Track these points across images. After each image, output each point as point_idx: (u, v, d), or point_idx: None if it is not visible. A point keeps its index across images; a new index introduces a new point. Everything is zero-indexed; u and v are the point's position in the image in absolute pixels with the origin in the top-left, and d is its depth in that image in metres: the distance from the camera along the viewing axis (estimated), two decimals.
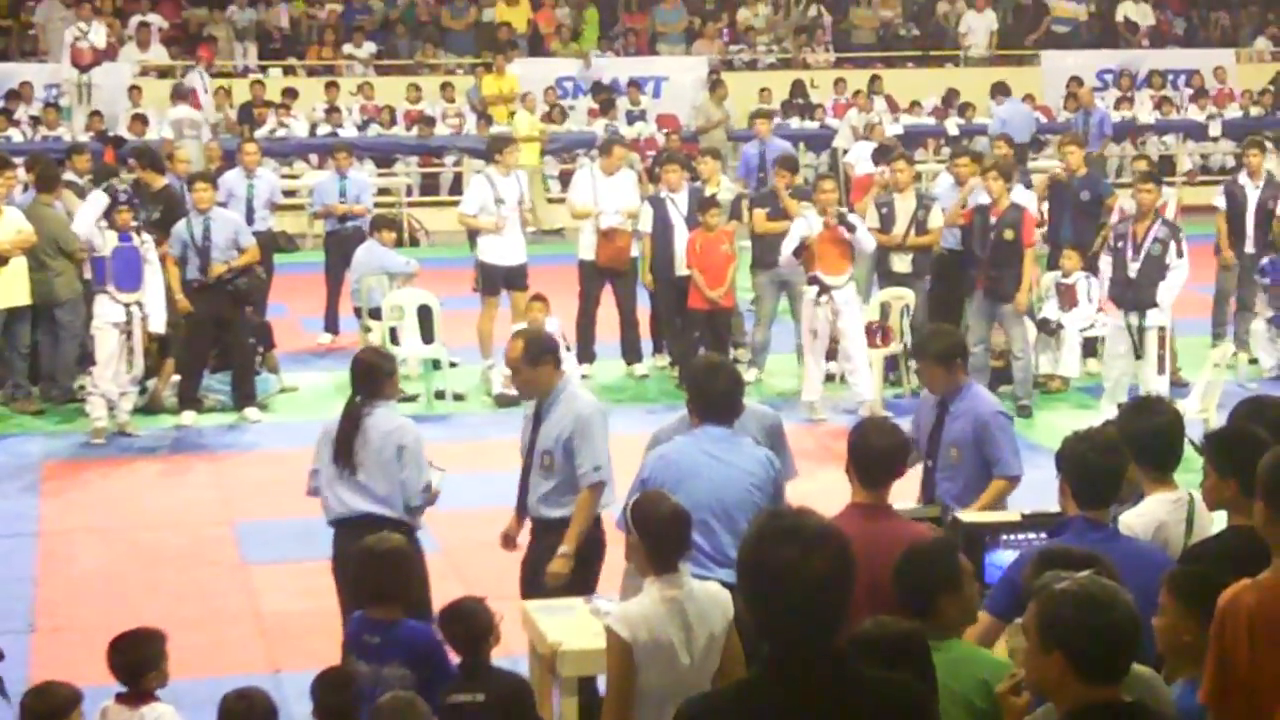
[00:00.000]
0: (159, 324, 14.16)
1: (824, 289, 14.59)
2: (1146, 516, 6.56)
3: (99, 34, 25.84)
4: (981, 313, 14.92)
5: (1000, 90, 25.83)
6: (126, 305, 13.95)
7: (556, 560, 8.24)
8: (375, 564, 7.07)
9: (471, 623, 6.95)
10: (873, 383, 14.88)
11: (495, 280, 16.18)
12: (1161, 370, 13.91)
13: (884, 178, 16.33)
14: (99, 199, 14.31)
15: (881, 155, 17.86)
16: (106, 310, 13.94)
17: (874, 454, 6.87)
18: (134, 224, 14.14)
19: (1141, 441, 6.59)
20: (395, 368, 8.94)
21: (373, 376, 8.58)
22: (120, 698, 6.81)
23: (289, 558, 11.18)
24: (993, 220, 14.87)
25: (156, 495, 12.98)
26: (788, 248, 14.81)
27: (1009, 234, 14.75)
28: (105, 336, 13.96)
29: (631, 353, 16.48)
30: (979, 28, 30.10)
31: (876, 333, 15.18)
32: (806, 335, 14.82)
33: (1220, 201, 16.74)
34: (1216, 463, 6.17)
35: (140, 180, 16.14)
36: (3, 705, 6.71)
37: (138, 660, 6.81)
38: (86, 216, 14.27)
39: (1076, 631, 4.31)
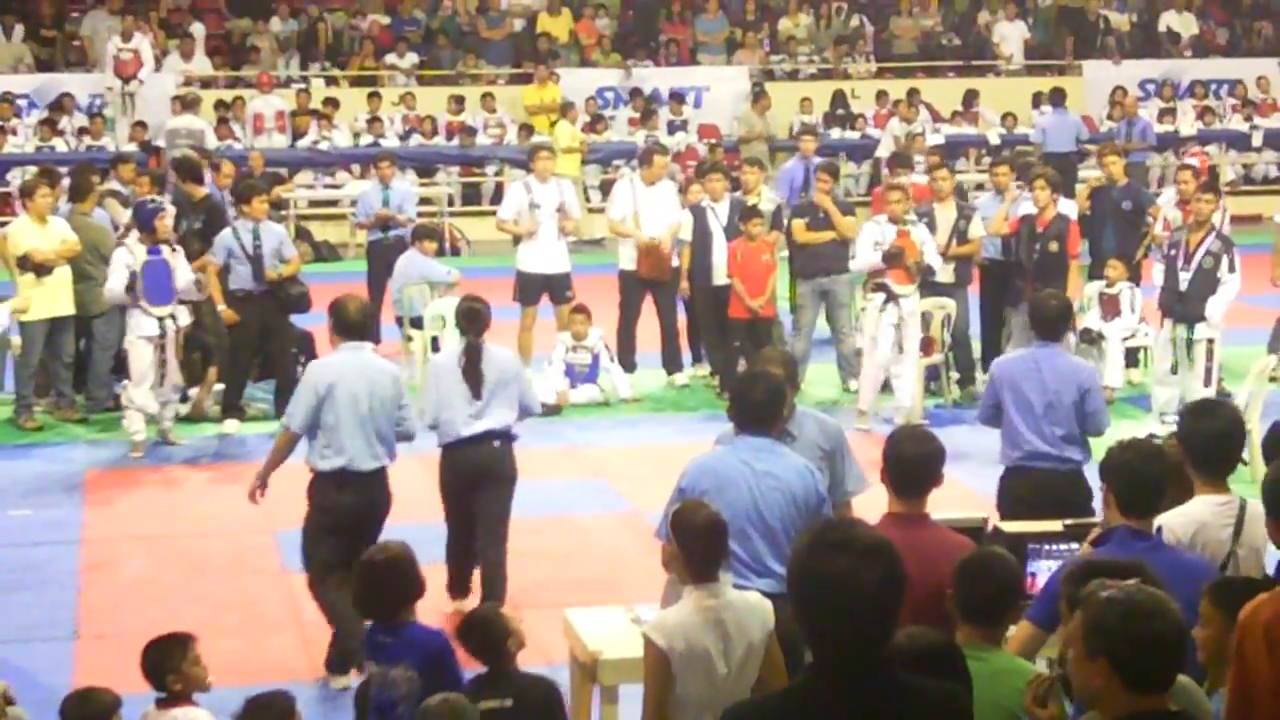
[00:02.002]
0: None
1: (891, 297, 14.58)
2: (1186, 516, 6.52)
3: (142, 45, 25.98)
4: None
5: (1050, 98, 25.69)
6: (160, 319, 13.99)
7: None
8: (377, 574, 7.11)
9: (488, 630, 6.97)
10: (914, 392, 14.86)
11: (533, 289, 16.21)
12: (1208, 382, 13.86)
13: (892, 180, 16.23)
14: (122, 262, 13.99)
15: (897, 162, 17.80)
16: (140, 324, 13.97)
17: (907, 462, 6.85)
18: (166, 237, 14.20)
19: (1199, 444, 6.58)
20: (490, 310, 10.31)
21: (479, 318, 10.14)
22: (160, 703, 6.85)
23: None
24: (1039, 230, 14.86)
25: (199, 503, 13.03)
26: (864, 252, 14.77)
27: (1054, 245, 14.74)
28: (139, 351, 13.99)
29: (672, 363, 16.48)
30: (1012, 37, 30.07)
31: (920, 343, 15.15)
32: (867, 342, 14.80)
33: None
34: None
35: (181, 191, 16.22)
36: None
37: (155, 663, 6.87)
38: (116, 282, 14.01)
39: (1121, 639, 4.30)
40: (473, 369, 10.00)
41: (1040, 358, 9.35)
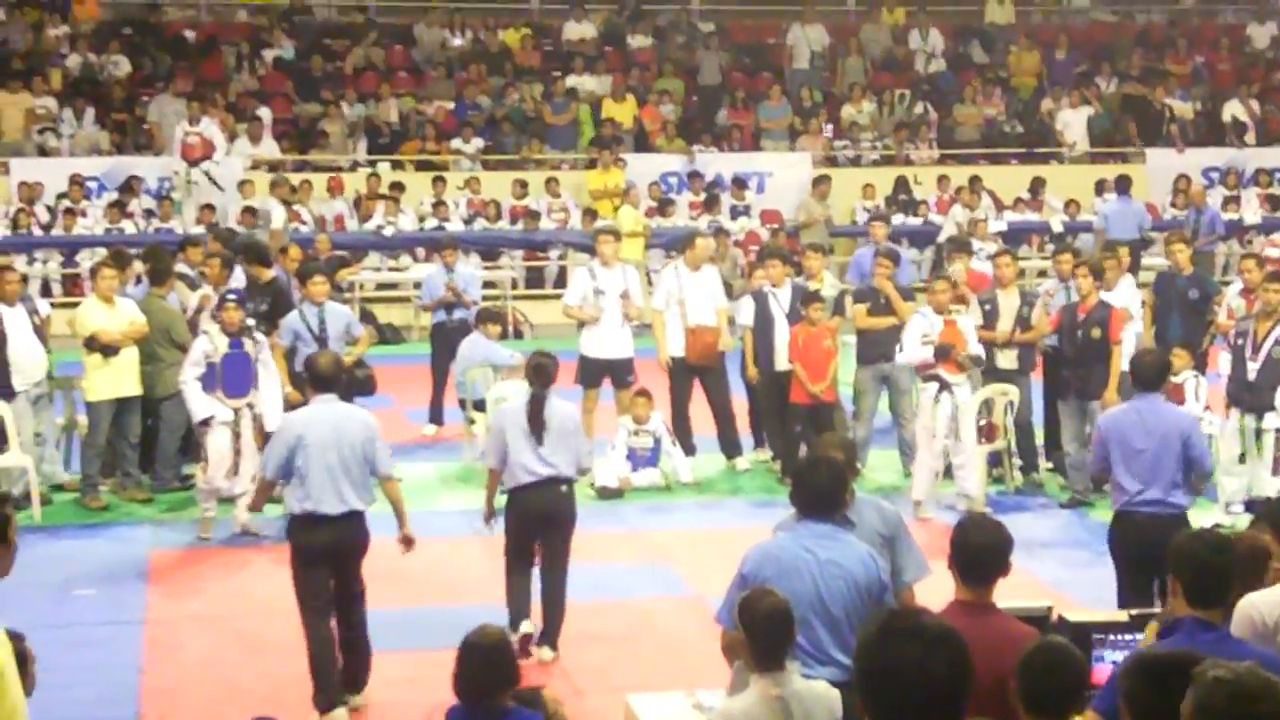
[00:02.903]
0: (274, 423, 14.31)
1: (944, 386, 14.57)
2: (1274, 595, 6.49)
3: (210, 128, 26.29)
4: (1073, 411, 14.88)
5: (1116, 186, 25.62)
6: (235, 410, 14.10)
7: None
8: (481, 656, 7.08)
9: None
10: (977, 479, 14.81)
11: (595, 373, 16.24)
12: (1277, 472, 13.76)
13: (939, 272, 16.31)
14: (201, 351, 14.22)
15: (955, 247, 17.76)
16: (216, 410, 14.08)
17: (975, 551, 6.81)
18: (247, 323, 14.30)
19: None
20: (558, 365, 11.24)
21: (546, 372, 11.04)
22: None
23: (393, 647, 11.19)
24: (1081, 318, 14.83)
25: (262, 583, 13.05)
26: (912, 347, 14.76)
27: (1096, 332, 14.71)
28: (216, 434, 14.09)
29: (731, 447, 16.45)
30: (1075, 123, 30.06)
31: (981, 429, 15.10)
32: (923, 433, 14.75)
33: None
34: None
35: (248, 273, 16.36)
36: None
37: None
38: (190, 374, 14.18)
39: None
40: (537, 418, 10.89)
41: (1142, 409, 10.19)
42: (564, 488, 10.99)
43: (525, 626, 10.95)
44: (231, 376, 14.09)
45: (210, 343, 14.15)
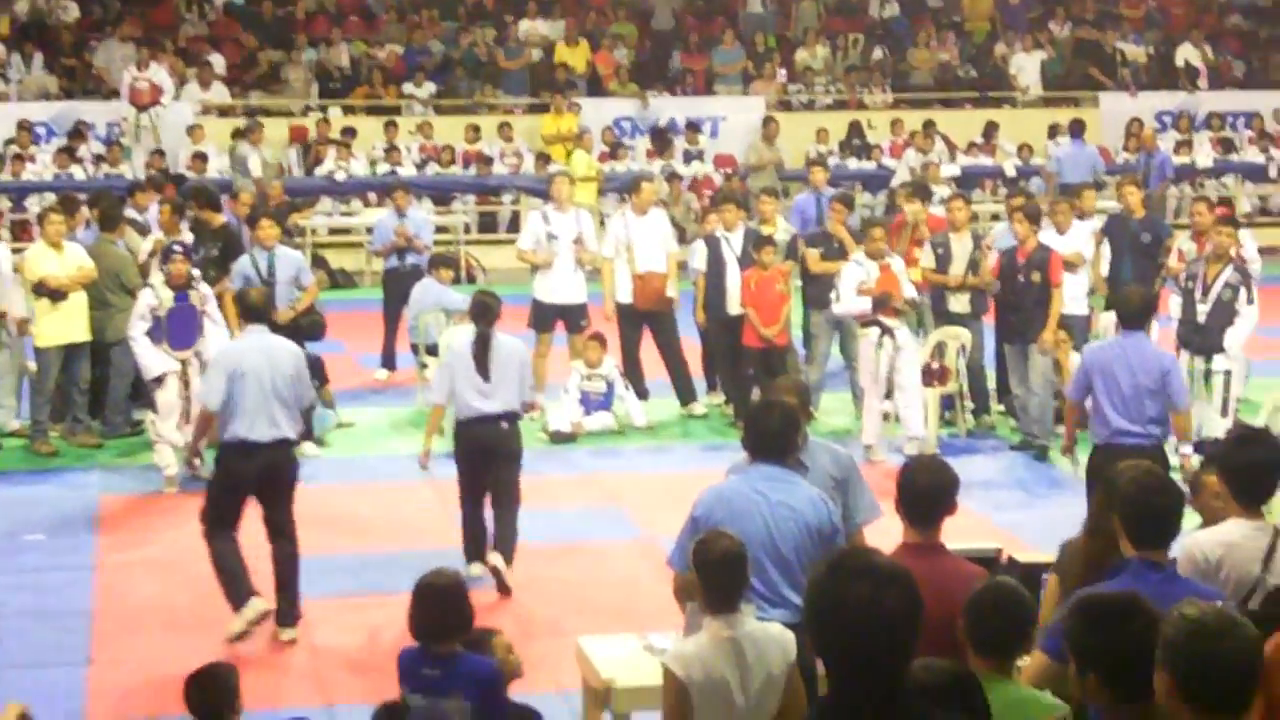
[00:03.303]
0: None
1: (885, 330, 14.60)
2: (1217, 534, 6.53)
3: (159, 74, 26.09)
4: (1017, 354, 14.94)
5: (1070, 130, 25.65)
6: (182, 360, 13.99)
7: None
8: (436, 598, 7.06)
9: (476, 653, 6.99)
10: (927, 421, 14.85)
11: (548, 318, 16.21)
12: (1225, 414, 13.85)
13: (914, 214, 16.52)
14: (146, 304, 14.02)
15: (912, 190, 17.72)
16: (165, 361, 13.96)
17: (920, 492, 6.83)
18: (192, 275, 14.14)
19: (1242, 474, 6.60)
20: (500, 302, 11.48)
21: (489, 310, 11.28)
22: None
23: (342, 592, 11.23)
24: (1020, 262, 14.87)
25: None
26: (849, 297, 14.79)
27: (1036, 276, 14.75)
28: (165, 386, 13.98)
29: (686, 392, 16.42)
30: (1029, 68, 30.10)
31: (934, 373, 15.14)
32: (867, 378, 14.79)
33: None
34: None
35: (199, 219, 16.23)
36: None
37: (220, 697, 6.81)
38: (136, 330, 14.02)
39: (1184, 656, 4.30)
40: (482, 355, 11.13)
41: (1127, 345, 10.58)
42: (504, 424, 11.13)
43: (474, 570, 11.00)
44: (177, 329, 13.92)
45: (155, 296, 14.00)
